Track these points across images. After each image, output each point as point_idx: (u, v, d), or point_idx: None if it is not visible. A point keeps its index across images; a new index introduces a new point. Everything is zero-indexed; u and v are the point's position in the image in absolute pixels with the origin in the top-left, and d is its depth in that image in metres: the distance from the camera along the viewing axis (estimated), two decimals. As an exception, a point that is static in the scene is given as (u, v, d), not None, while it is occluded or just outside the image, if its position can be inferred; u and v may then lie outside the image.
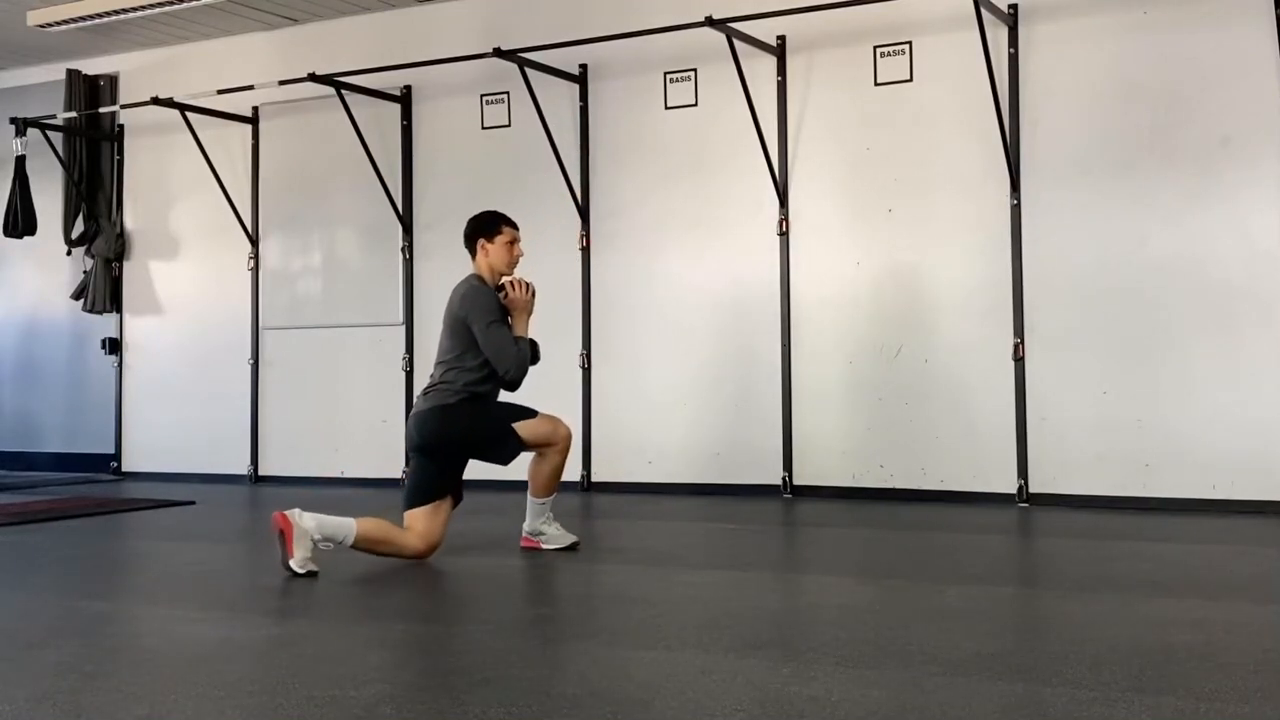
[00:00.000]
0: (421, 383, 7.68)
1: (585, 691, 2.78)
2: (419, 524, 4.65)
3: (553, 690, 2.84)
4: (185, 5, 7.55)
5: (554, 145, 7.10)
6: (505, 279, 4.79)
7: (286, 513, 4.40)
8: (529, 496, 4.85)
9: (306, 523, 4.38)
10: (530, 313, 4.79)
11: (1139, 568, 4.47)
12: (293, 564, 4.32)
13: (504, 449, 4.71)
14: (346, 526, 4.48)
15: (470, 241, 4.85)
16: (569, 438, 4.78)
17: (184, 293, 8.66)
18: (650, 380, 7.13)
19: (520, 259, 4.86)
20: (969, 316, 6.37)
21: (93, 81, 8.91)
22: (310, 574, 4.32)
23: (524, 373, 4.70)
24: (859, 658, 3.06)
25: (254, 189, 8.39)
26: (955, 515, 5.88)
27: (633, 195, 7.21)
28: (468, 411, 4.68)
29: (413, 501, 4.70)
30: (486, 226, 4.83)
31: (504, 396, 4.84)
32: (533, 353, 4.76)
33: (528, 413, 4.72)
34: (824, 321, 6.70)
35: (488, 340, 4.63)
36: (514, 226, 4.87)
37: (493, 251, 4.78)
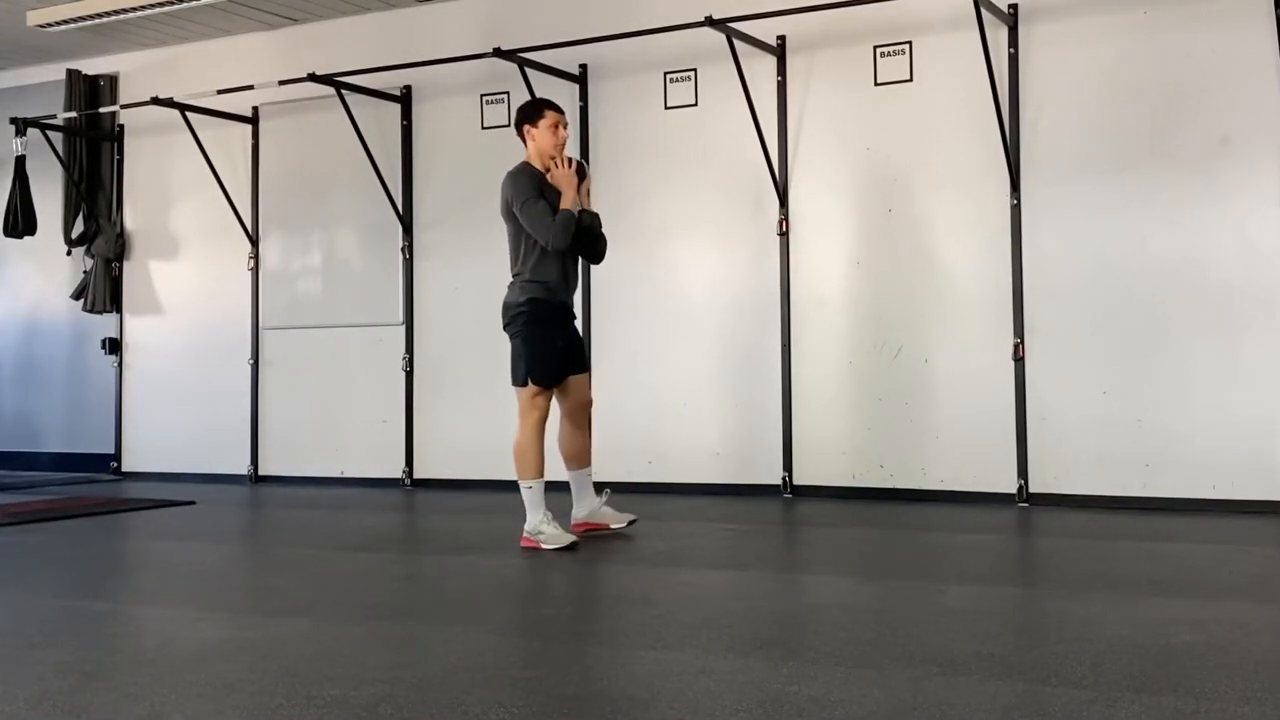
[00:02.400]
0: (421, 382, 7.80)
1: (585, 691, 2.78)
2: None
3: (553, 690, 2.84)
4: (185, 5, 7.54)
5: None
6: (552, 159, 5.01)
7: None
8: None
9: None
10: (575, 187, 4.99)
11: (1139, 568, 4.47)
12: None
13: (514, 370, 4.99)
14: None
15: (519, 130, 5.10)
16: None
17: (184, 293, 8.66)
18: (650, 380, 7.13)
19: (567, 139, 5.10)
20: (969, 316, 6.37)
21: (93, 81, 8.91)
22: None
23: (566, 240, 4.92)
24: (859, 658, 3.06)
25: (254, 189, 8.39)
26: (955, 515, 5.88)
27: (633, 195, 7.21)
28: (523, 320, 4.96)
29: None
30: (530, 113, 5.11)
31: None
32: (593, 223, 5.05)
33: (544, 377, 4.95)
34: (824, 321, 6.70)
35: (525, 217, 4.90)
36: (557, 110, 5.11)
37: (539, 135, 5.03)
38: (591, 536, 5.18)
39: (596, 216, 5.09)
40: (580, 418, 5.16)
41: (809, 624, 3.68)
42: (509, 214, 4.98)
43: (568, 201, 4.94)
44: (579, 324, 7.16)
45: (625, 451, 7.15)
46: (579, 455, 5.17)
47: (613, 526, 5.24)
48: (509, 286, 5.05)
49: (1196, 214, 5.92)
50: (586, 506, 5.22)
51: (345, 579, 4.34)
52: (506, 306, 5.03)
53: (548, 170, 4.98)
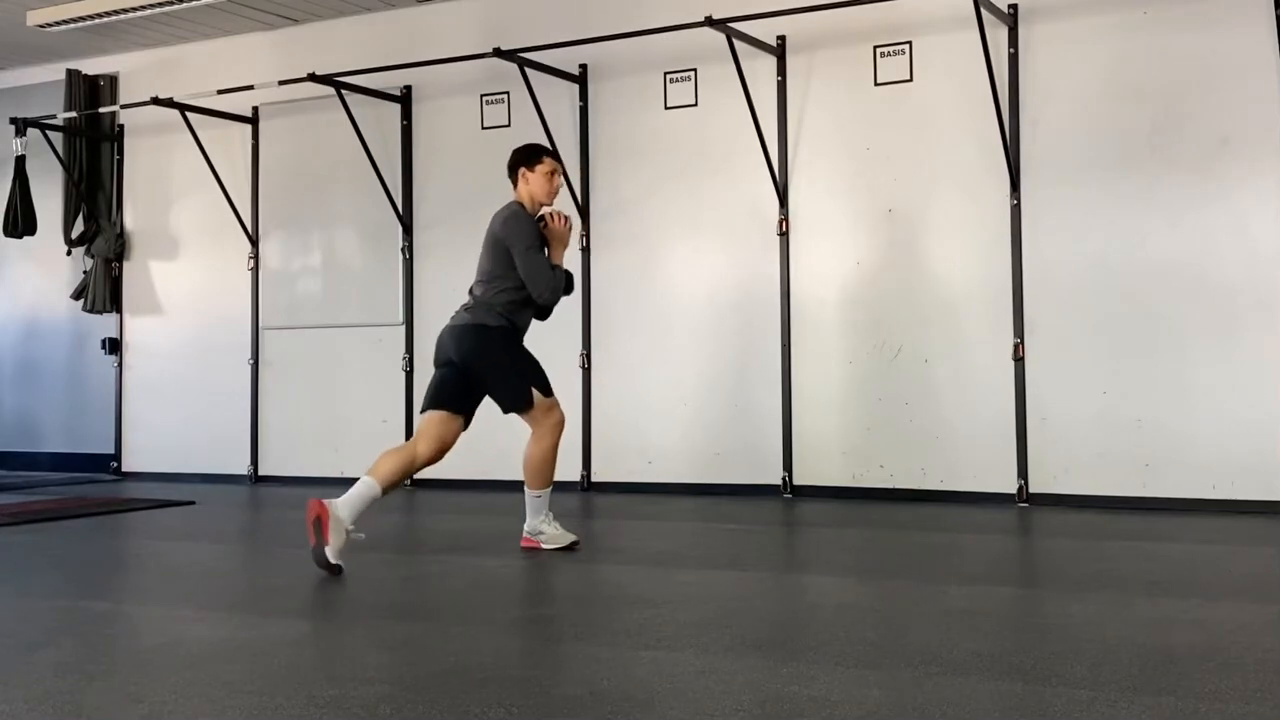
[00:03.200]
0: (421, 382, 7.76)
1: (585, 691, 2.78)
2: (436, 427, 4.72)
3: (553, 690, 2.84)
4: (185, 5, 7.55)
5: (554, 145, 7.08)
6: (545, 210, 4.94)
7: (325, 500, 4.40)
8: (526, 491, 4.87)
9: (341, 512, 4.40)
10: (566, 244, 4.96)
11: (1139, 568, 4.47)
12: (328, 552, 4.31)
13: (514, 396, 4.78)
14: (370, 491, 4.53)
15: (512, 170, 5.00)
16: (562, 422, 4.87)
17: (184, 293, 8.66)
18: (650, 380, 7.13)
19: (560, 189, 5.01)
20: (969, 316, 6.37)
21: (93, 81, 8.91)
22: (336, 569, 4.30)
23: (557, 298, 4.86)
24: (859, 658, 3.06)
25: (254, 189, 8.39)
26: (955, 515, 5.88)
27: (633, 195, 7.21)
28: (504, 344, 4.79)
29: (437, 403, 4.76)
30: (528, 156, 4.98)
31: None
32: (567, 283, 4.90)
33: (545, 384, 4.82)
34: (824, 321, 6.70)
35: (526, 264, 4.75)
36: (556, 158, 5.04)
37: (533, 180, 4.92)
38: (591, 537, 5.17)
39: (571, 276, 4.94)
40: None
41: (809, 624, 3.68)
42: (497, 248, 4.80)
43: (559, 259, 4.88)
44: (578, 324, 7.24)
45: (625, 451, 7.16)
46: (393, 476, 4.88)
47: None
48: (469, 310, 4.81)
49: (1196, 214, 5.92)
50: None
51: (345, 579, 4.34)
52: (471, 328, 4.75)
53: (538, 216, 4.89)
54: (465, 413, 4.78)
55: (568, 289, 4.91)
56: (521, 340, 4.89)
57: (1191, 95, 5.95)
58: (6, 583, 4.52)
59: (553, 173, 4.95)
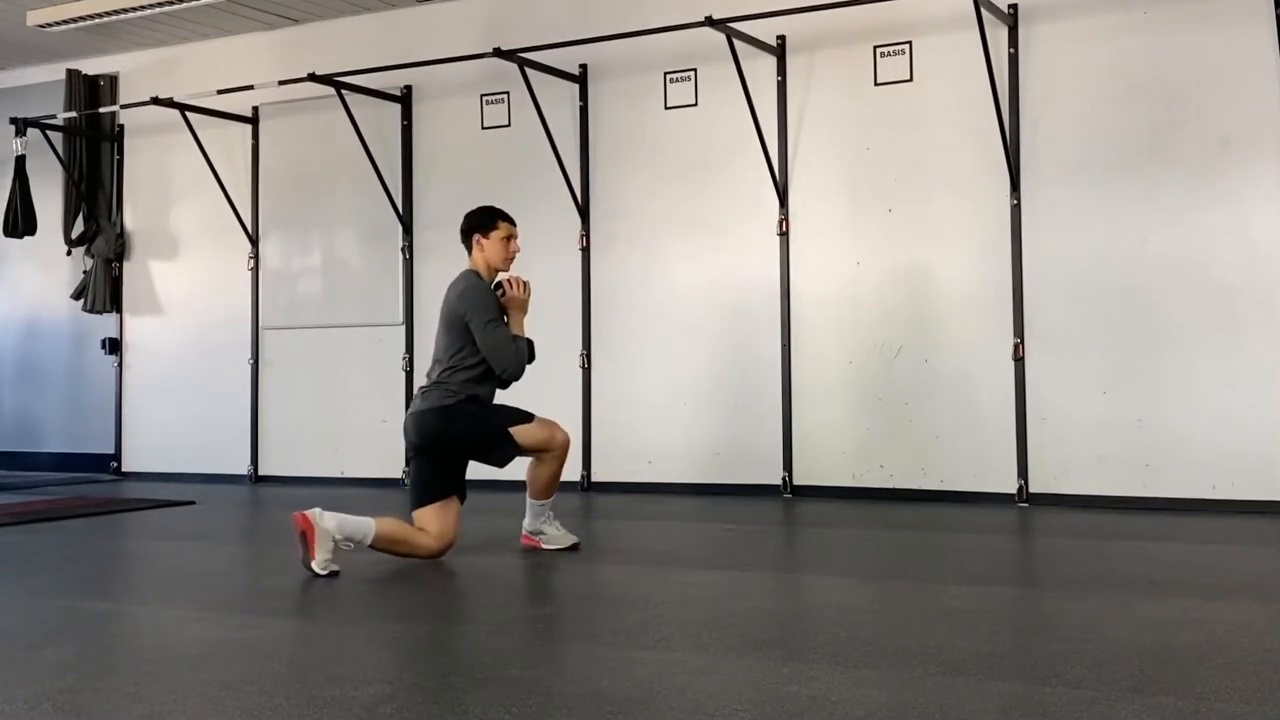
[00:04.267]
0: (421, 382, 7.77)
1: (585, 691, 2.78)
2: (431, 523, 4.63)
3: (553, 690, 2.84)
4: (185, 5, 7.55)
5: (554, 145, 7.10)
6: (502, 276, 4.79)
7: (308, 513, 4.37)
8: (528, 498, 4.86)
9: (328, 523, 4.36)
10: (526, 311, 4.79)
11: (1139, 568, 4.47)
12: (314, 565, 4.31)
13: (500, 453, 4.69)
14: (366, 526, 4.47)
15: (466, 237, 4.82)
16: (566, 444, 4.77)
17: (184, 293, 8.66)
18: (650, 380, 7.13)
19: (516, 255, 4.84)
20: (969, 316, 6.37)
21: (93, 81, 8.91)
22: (331, 574, 4.31)
23: (521, 372, 4.70)
24: (859, 658, 3.06)
25: (254, 189, 8.39)
26: (955, 515, 5.88)
27: (633, 195, 7.21)
28: (467, 413, 4.66)
29: (420, 501, 4.69)
30: (482, 222, 4.80)
31: (500, 395, 4.85)
32: (529, 351, 4.74)
33: (525, 417, 4.70)
34: (824, 321, 6.70)
35: (486, 339, 4.61)
36: (511, 222, 4.84)
37: (489, 247, 4.76)
38: (591, 537, 5.17)
39: (532, 344, 4.77)
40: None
41: (809, 624, 3.68)
42: (454, 323, 4.65)
43: (518, 326, 4.71)
44: (578, 324, 7.23)
45: (625, 452, 7.16)
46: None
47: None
48: (425, 393, 4.68)
49: (1196, 214, 5.92)
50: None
51: (345, 579, 4.34)
52: (433, 411, 4.62)
53: (496, 285, 4.74)
54: (455, 493, 4.71)
55: (530, 358, 4.73)
56: (485, 403, 4.72)
57: (1191, 95, 5.95)
58: (6, 583, 4.52)
59: (509, 237, 4.76)
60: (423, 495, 4.68)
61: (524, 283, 4.78)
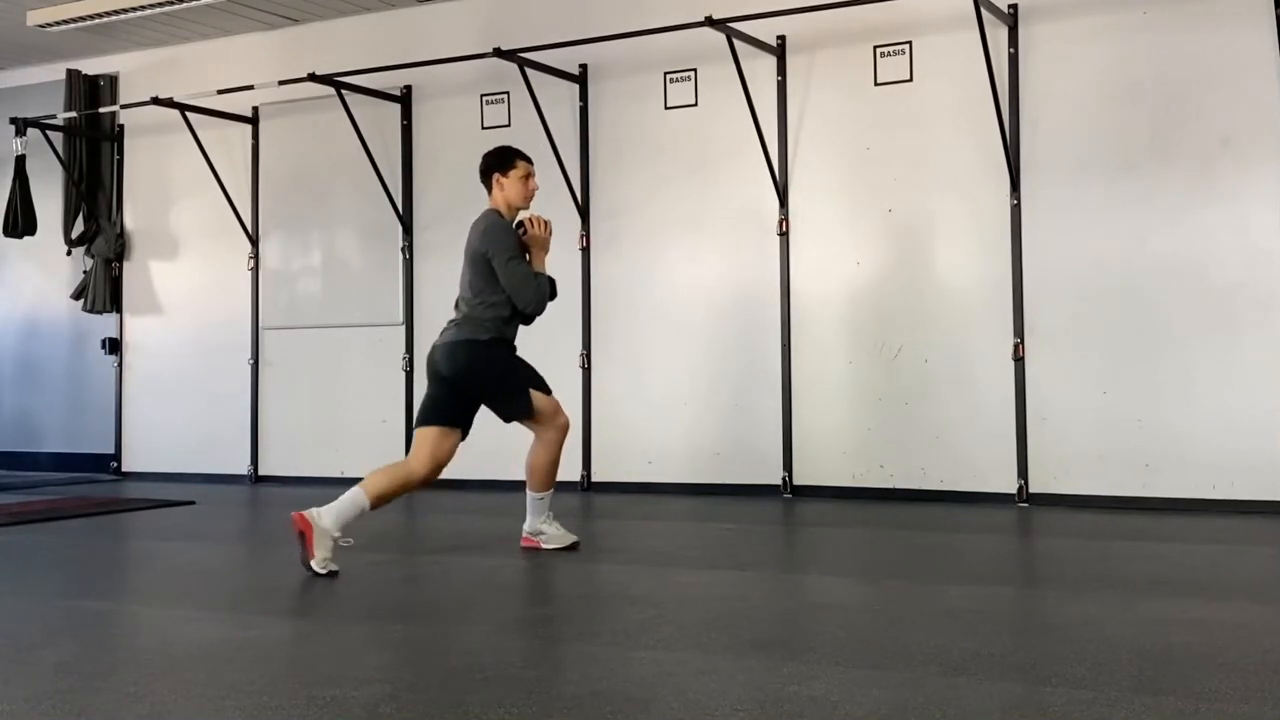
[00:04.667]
0: (421, 382, 7.76)
1: (585, 691, 2.78)
2: (430, 443, 4.65)
3: (553, 690, 2.84)
4: (185, 5, 7.55)
5: (554, 145, 7.09)
6: (523, 215, 4.84)
7: (306, 513, 4.38)
8: (528, 493, 4.86)
9: (325, 521, 4.38)
10: (547, 249, 4.85)
11: (1139, 568, 4.47)
12: (314, 564, 4.32)
13: (513, 405, 4.75)
14: (359, 501, 4.49)
15: (485, 177, 4.88)
16: (567, 426, 4.86)
17: (184, 293, 8.66)
18: (650, 380, 7.13)
19: (535, 192, 4.90)
20: (969, 316, 6.37)
21: (93, 81, 8.91)
22: (331, 574, 4.31)
23: (543, 308, 4.77)
24: (859, 658, 3.06)
25: (254, 189, 8.39)
26: (955, 515, 5.88)
27: (633, 195, 7.21)
28: (498, 356, 4.73)
29: (427, 420, 4.71)
30: (501, 161, 4.87)
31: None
32: (551, 288, 4.81)
33: (543, 385, 4.80)
34: (824, 321, 6.70)
35: (508, 276, 4.67)
36: (528, 161, 4.90)
37: (508, 186, 4.82)
38: (591, 537, 5.18)
39: (554, 281, 4.84)
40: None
41: (809, 624, 3.68)
42: (478, 260, 4.72)
43: (540, 264, 4.77)
44: (578, 324, 7.23)
45: (625, 451, 7.16)
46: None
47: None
48: (458, 325, 4.74)
49: (1196, 214, 5.92)
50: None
51: (345, 579, 4.34)
52: (462, 344, 4.69)
53: (515, 221, 4.80)
54: (462, 426, 4.73)
55: (552, 295, 4.81)
56: (513, 350, 4.81)
57: (1191, 95, 5.95)
58: (6, 583, 4.52)
59: (527, 176, 4.84)
60: (433, 416, 4.70)
61: (545, 221, 4.83)
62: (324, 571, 4.31)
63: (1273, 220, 5.77)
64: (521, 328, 4.85)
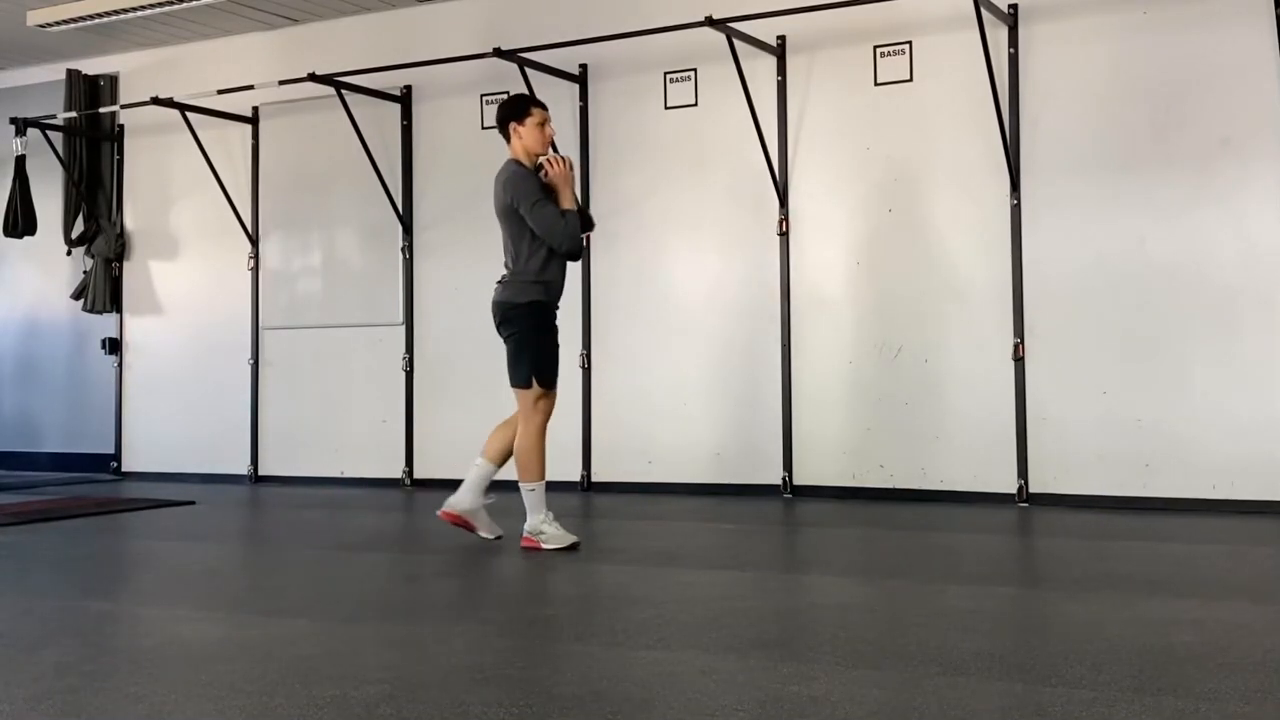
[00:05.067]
0: (421, 382, 7.80)
1: (585, 691, 2.78)
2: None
3: (553, 690, 2.84)
4: (185, 5, 7.55)
5: (554, 145, 7.07)
6: (541, 158, 4.93)
7: (447, 509, 4.88)
8: (520, 487, 4.88)
9: (465, 502, 4.90)
10: (571, 185, 4.95)
11: (1139, 568, 4.47)
12: (484, 535, 4.93)
13: (516, 369, 4.90)
14: (486, 473, 4.95)
15: (503, 127, 5.00)
16: (546, 413, 4.92)
17: (184, 293, 8.66)
18: (650, 380, 7.13)
19: (553, 137, 5.02)
20: (969, 317, 6.37)
21: (93, 81, 8.91)
22: (497, 537, 4.86)
23: (577, 243, 4.88)
24: (859, 658, 3.06)
25: (254, 189, 8.39)
26: (955, 515, 5.88)
27: (633, 195, 7.21)
28: (528, 321, 4.88)
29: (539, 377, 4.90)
30: (516, 111, 4.98)
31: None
32: (582, 221, 4.94)
33: (550, 382, 4.90)
34: (824, 321, 6.70)
35: (536, 220, 4.80)
36: (542, 107, 5.05)
37: (525, 134, 4.94)
38: (591, 537, 5.18)
39: (588, 214, 5.06)
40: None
41: (809, 624, 3.68)
42: (508, 213, 4.87)
43: (567, 202, 4.89)
44: (578, 324, 7.23)
45: (625, 451, 7.16)
46: (502, 453, 5.03)
47: (480, 533, 5.02)
48: (504, 284, 4.92)
49: (1196, 214, 5.92)
50: (469, 501, 5.02)
51: (345, 579, 4.34)
52: (503, 305, 4.90)
53: (537, 168, 4.92)
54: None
55: (587, 227, 4.98)
56: (552, 311, 4.95)
57: (1191, 95, 5.95)
58: (6, 583, 4.52)
59: (543, 122, 4.96)
60: (522, 375, 4.91)
61: (563, 158, 4.95)
62: (494, 536, 4.91)
63: (1272, 220, 5.77)
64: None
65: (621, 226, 7.23)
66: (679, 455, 7.00)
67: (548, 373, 4.89)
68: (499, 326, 4.95)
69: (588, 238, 4.96)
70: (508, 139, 4.97)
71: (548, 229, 4.80)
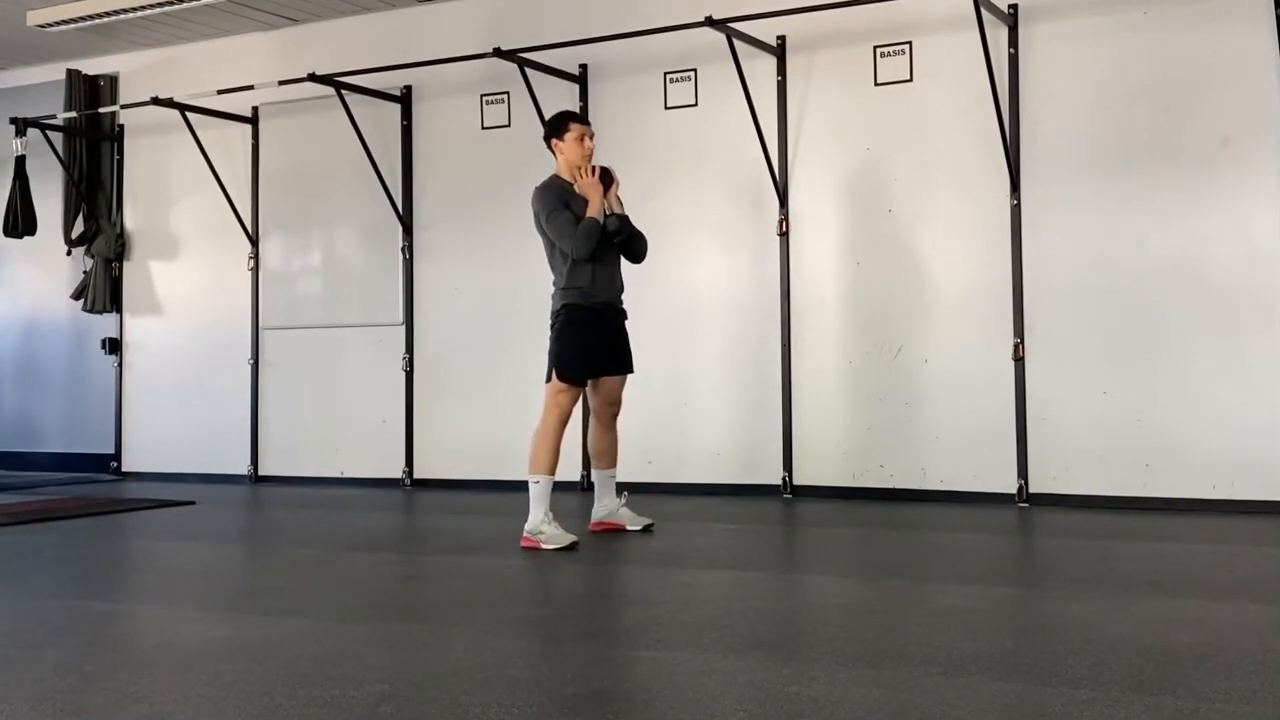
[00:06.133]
0: (421, 382, 7.79)
1: (585, 691, 2.78)
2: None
3: (553, 690, 2.84)
4: (185, 5, 7.54)
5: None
6: (578, 169, 5.14)
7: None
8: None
9: (603, 510, 5.28)
10: (599, 194, 5.12)
11: (1139, 568, 4.47)
12: (632, 528, 5.22)
13: (549, 364, 5.11)
14: (604, 478, 5.34)
15: (547, 143, 5.24)
16: (566, 410, 5.05)
17: (184, 293, 8.66)
18: (650, 380, 7.09)
19: (593, 150, 5.22)
20: (969, 316, 6.37)
21: (93, 81, 8.91)
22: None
23: (589, 248, 5.04)
24: (859, 658, 3.06)
25: (254, 189, 8.39)
26: (955, 515, 5.88)
27: (633, 195, 7.17)
28: (563, 323, 5.11)
29: (611, 368, 5.26)
30: (555, 128, 5.24)
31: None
32: (622, 226, 5.13)
33: (569, 375, 5.04)
34: (824, 321, 6.70)
35: (550, 229, 5.06)
36: (582, 121, 5.30)
37: (565, 148, 5.18)
38: (591, 537, 5.18)
39: (626, 219, 5.19)
40: (605, 417, 5.34)
41: (809, 624, 3.68)
42: (538, 225, 5.12)
43: (593, 210, 5.06)
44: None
45: (625, 451, 7.09)
46: (602, 454, 5.37)
47: (629, 528, 5.35)
48: (551, 296, 5.20)
49: (1196, 214, 5.92)
50: (606, 506, 5.36)
51: (345, 579, 4.34)
52: (552, 314, 5.19)
53: (575, 181, 5.10)
54: (588, 378, 5.18)
55: (622, 230, 5.12)
56: (591, 310, 5.12)
57: (1191, 95, 5.94)
58: (6, 583, 4.52)
59: (582, 136, 5.15)
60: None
61: (593, 167, 5.15)
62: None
63: (1272, 220, 5.77)
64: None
65: (621, 226, 7.22)
66: (679, 455, 7.00)
67: (568, 369, 5.03)
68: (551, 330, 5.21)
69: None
70: (555, 155, 5.18)
71: (558, 235, 5.03)
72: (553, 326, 5.16)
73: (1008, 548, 5.29)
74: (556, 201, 5.05)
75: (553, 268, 5.17)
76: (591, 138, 5.22)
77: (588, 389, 5.24)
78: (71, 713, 2.66)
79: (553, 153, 5.22)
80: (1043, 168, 6.21)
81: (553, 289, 5.20)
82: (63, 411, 9.13)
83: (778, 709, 2.62)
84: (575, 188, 5.10)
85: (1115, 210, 6.06)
